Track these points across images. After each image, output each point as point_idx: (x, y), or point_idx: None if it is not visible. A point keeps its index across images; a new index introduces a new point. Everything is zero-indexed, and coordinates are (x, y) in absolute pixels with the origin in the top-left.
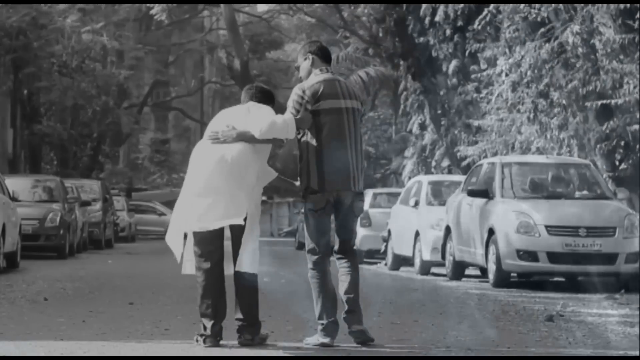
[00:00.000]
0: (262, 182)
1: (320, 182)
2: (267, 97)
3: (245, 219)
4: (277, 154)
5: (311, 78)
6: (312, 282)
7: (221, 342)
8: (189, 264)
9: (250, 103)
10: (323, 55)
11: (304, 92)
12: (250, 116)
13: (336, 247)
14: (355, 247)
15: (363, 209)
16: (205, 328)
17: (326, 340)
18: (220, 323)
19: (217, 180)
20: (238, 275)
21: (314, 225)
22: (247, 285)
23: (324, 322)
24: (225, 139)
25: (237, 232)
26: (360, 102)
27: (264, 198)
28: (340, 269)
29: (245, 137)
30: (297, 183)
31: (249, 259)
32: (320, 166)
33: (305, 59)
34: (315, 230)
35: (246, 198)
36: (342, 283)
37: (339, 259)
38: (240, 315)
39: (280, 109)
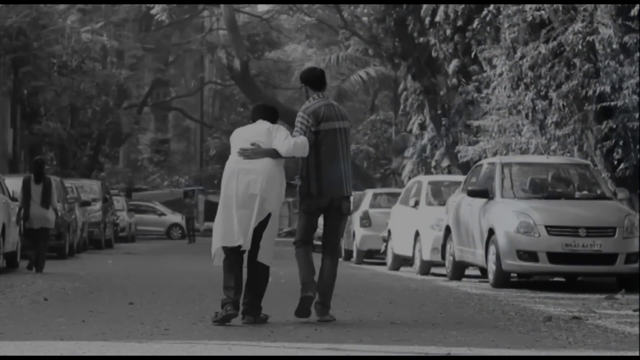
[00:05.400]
0: (283, 188)
1: (319, 188)
2: (273, 113)
3: (268, 218)
4: None
5: (311, 104)
6: (297, 257)
7: (227, 324)
8: (218, 257)
9: (266, 123)
10: (314, 82)
11: (308, 116)
12: (273, 137)
13: (322, 245)
14: (340, 246)
15: (350, 208)
16: (228, 298)
17: (306, 294)
18: (239, 295)
19: (252, 188)
20: (252, 264)
21: (304, 223)
22: (260, 274)
23: (305, 280)
24: (255, 156)
25: (260, 227)
26: (349, 121)
27: None
28: (322, 263)
29: (270, 154)
30: (296, 182)
31: (267, 253)
32: (320, 176)
33: (301, 87)
34: (305, 227)
35: (273, 202)
36: (320, 276)
37: (324, 254)
38: (247, 299)
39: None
